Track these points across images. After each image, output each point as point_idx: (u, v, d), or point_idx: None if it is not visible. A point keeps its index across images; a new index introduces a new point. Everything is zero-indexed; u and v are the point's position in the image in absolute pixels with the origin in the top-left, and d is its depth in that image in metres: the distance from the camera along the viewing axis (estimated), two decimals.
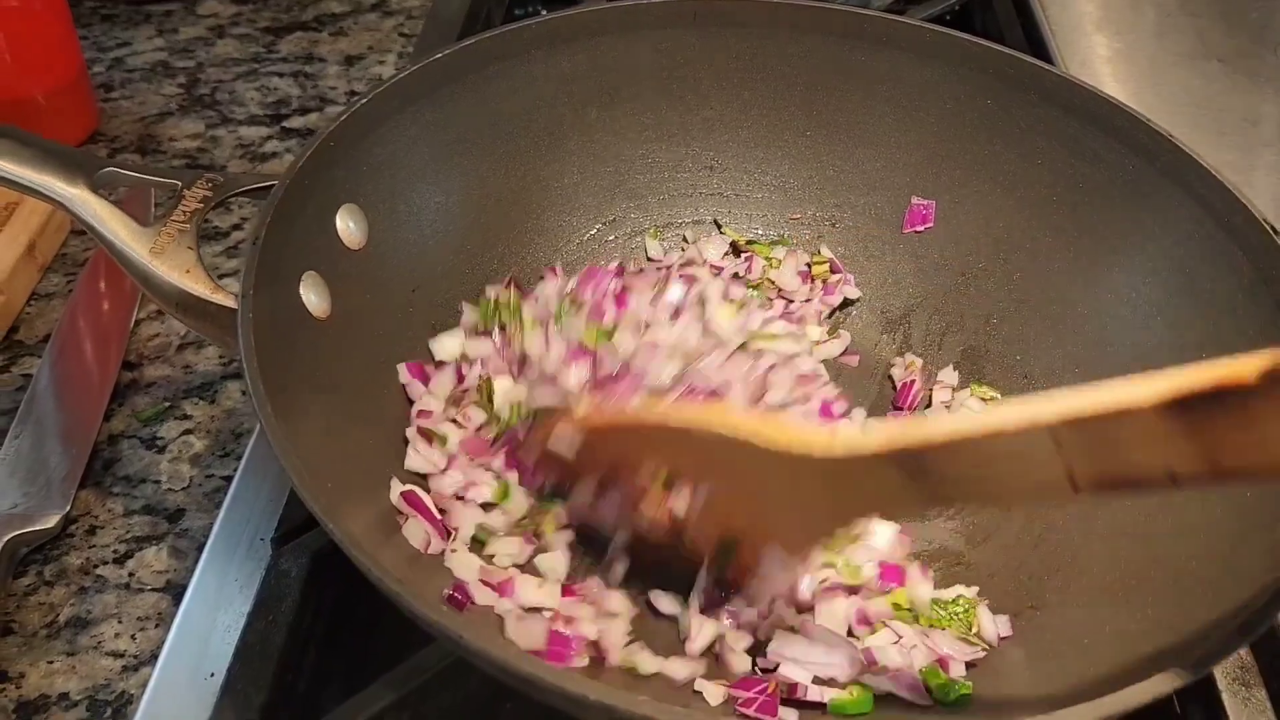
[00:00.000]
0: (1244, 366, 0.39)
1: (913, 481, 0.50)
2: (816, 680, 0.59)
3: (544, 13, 0.83)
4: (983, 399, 0.78)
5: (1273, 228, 0.65)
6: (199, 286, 0.64)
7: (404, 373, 0.73)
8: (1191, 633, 0.50)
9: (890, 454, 0.49)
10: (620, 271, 0.78)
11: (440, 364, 0.74)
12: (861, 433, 0.52)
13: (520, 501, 0.68)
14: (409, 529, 0.64)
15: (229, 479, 0.78)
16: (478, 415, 0.71)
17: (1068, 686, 0.54)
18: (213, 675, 0.65)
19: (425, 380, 0.73)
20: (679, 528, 0.61)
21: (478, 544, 0.66)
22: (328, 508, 0.49)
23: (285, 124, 1.18)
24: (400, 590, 0.46)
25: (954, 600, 0.65)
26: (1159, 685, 0.46)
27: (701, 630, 0.61)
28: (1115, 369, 0.72)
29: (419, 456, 0.69)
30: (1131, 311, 0.75)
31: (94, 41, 1.29)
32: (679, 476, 0.59)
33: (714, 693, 0.59)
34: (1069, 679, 0.55)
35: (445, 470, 0.69)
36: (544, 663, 0.47)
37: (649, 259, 0.87)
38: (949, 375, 0.80)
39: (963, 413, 0.51)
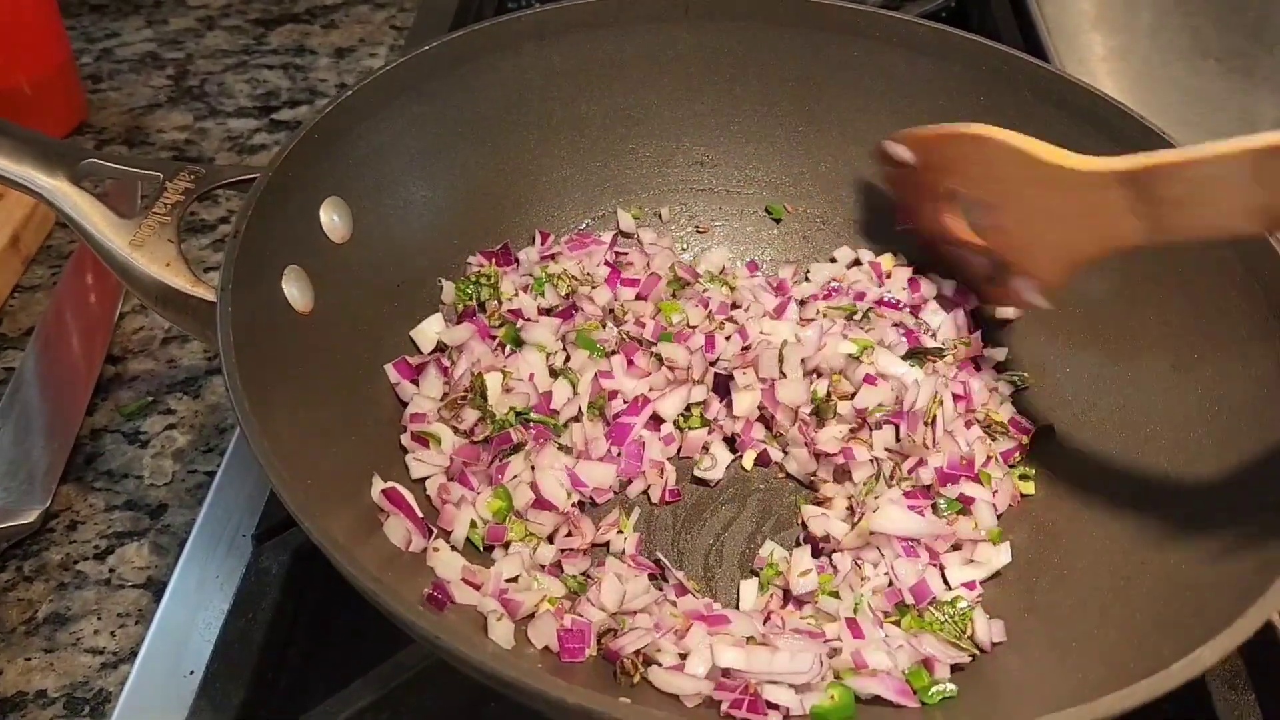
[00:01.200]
0: None
1: (1140, 206, 0.60)
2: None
3: (536, 5, 0.82)
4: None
5: None
6: (179, 280, 0.63)
7: (393, 373, 0.72)
8: (1179, 638, 0.49)
9: (1126, 175, 0.60)
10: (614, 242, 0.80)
11: (423, 364, 0.73)
12: (1105, 159, 0.62)
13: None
14: (390, 527, 0.63)
15: (212, 474, 0.78)
16: (471, 415, 0.70)
17: (1059, 692, 0.53)
18: (192, 673, 0.64)
19: (415, 380, 0.72)
20: (967, 242, 0.77)
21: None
22: (305, 506, 0.48)
23: (274, 116, 1.17)
24: (377, 589, 0.45)
25: (952, 601, 0.65)
26: (1149, 689, 0.45)
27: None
28: (1106, 366, 0.73)
29: (422, 464, 0.68)
30: (1126, 311, 0.74)
31: (82, 32, 1.28)
32: (972, 197, 0.75)
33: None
34: (1061, 684, 0.55)
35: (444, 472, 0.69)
36: (521, 664, 0.46)
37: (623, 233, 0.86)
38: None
39: (1184, 148, 0.57)
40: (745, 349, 0.76)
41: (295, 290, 0.65)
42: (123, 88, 1.20)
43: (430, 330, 0.75)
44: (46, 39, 1.07)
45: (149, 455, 0.82)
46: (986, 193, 0.73)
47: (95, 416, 0.85)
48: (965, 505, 0.69)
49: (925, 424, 0.70)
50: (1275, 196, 0.54)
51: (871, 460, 0.71)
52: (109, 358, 0.89)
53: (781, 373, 0.74)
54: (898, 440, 0.71)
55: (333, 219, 0.70)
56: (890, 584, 0.66)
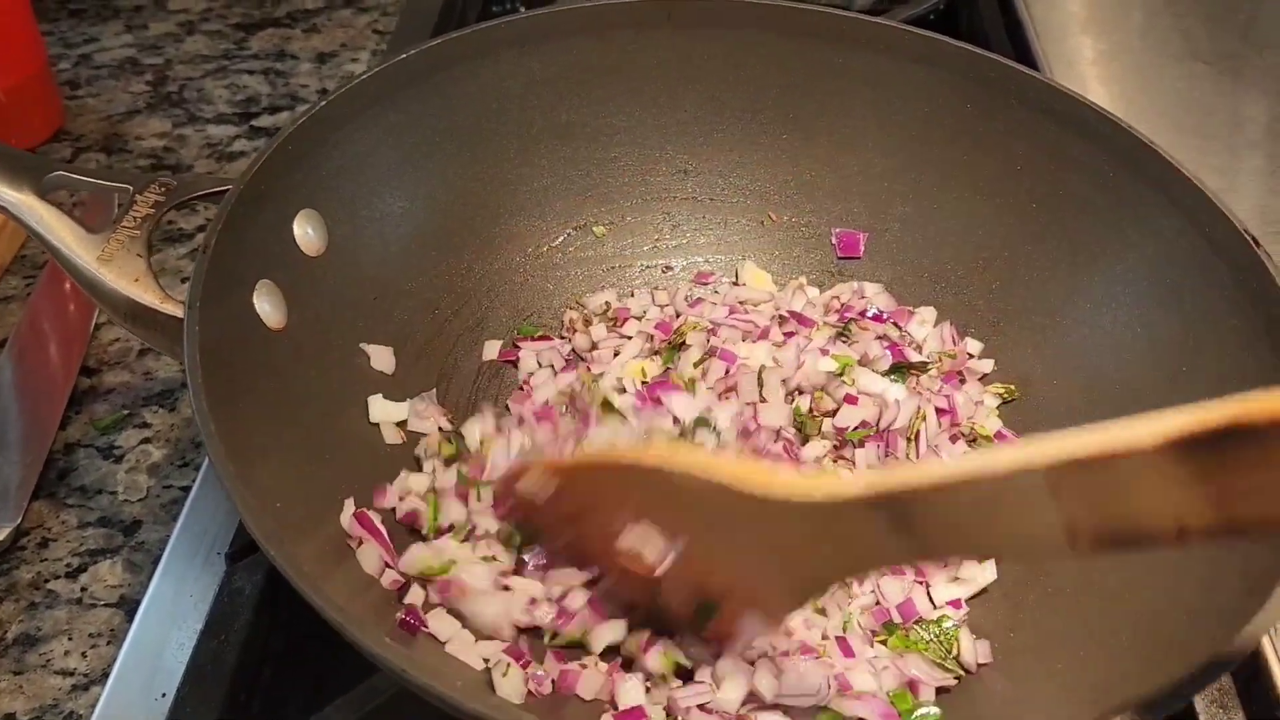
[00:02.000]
0: (1259, 405, 0.35)
1: (899, 533, 0.46)
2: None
3: (521, 10, 0.81)
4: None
5: (1253, 238, 0.64)
6: (148, 295, 0.62)
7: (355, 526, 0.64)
8: (1166, 662, 0.48)
9: (874, 501, 0.46)
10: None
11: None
12: (842, 479, 0.49)
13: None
14: (362, 554, 0.61)
15: (187, 490, 0.76)
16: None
17: (1045, 717, 0.52)
18: (164, 695, 0.63)
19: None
20: (654, 584, 0.57)
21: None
22: (271, 532, 0.47)
23: (254, 123, 1.15)
24: (343, 620, 0.44)
25: (938, 620, 0.64)
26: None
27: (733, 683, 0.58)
28: (1095, 379, 0.72)
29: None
30: (1112, 321, 0.73)
31: (60, 37, 1.26)
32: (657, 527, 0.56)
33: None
34: (1047, 708, 0.54)
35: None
36: (492, 698, 0.45)
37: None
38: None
39: (952, 458, 0.47)
40: (726, 373, 0.74)
41: (267, 306, 0.64)
42: (101, 94, 1.18)
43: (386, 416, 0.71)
44: (22, 44, 1.05)
45: (123, 470, 0.81)
46: (675, 525, 0.56)
47: (69, 430, 0.83)
48: None
49: (908, 439, 0.69)
50: (1082, 512, 0.41)
51: None
52: (84, 370, 0.88)
53: (761, 396, 0.73)
54: (885, 457, 0.70)
55: (307, 232, 0.69)
56: (877, 603, 0.65)
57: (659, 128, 0.85)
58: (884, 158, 0.84)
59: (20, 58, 1.05)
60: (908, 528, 0.46)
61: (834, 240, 0.85)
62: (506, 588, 0.61)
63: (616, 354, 0.78)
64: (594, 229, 0.85)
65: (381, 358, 0.72)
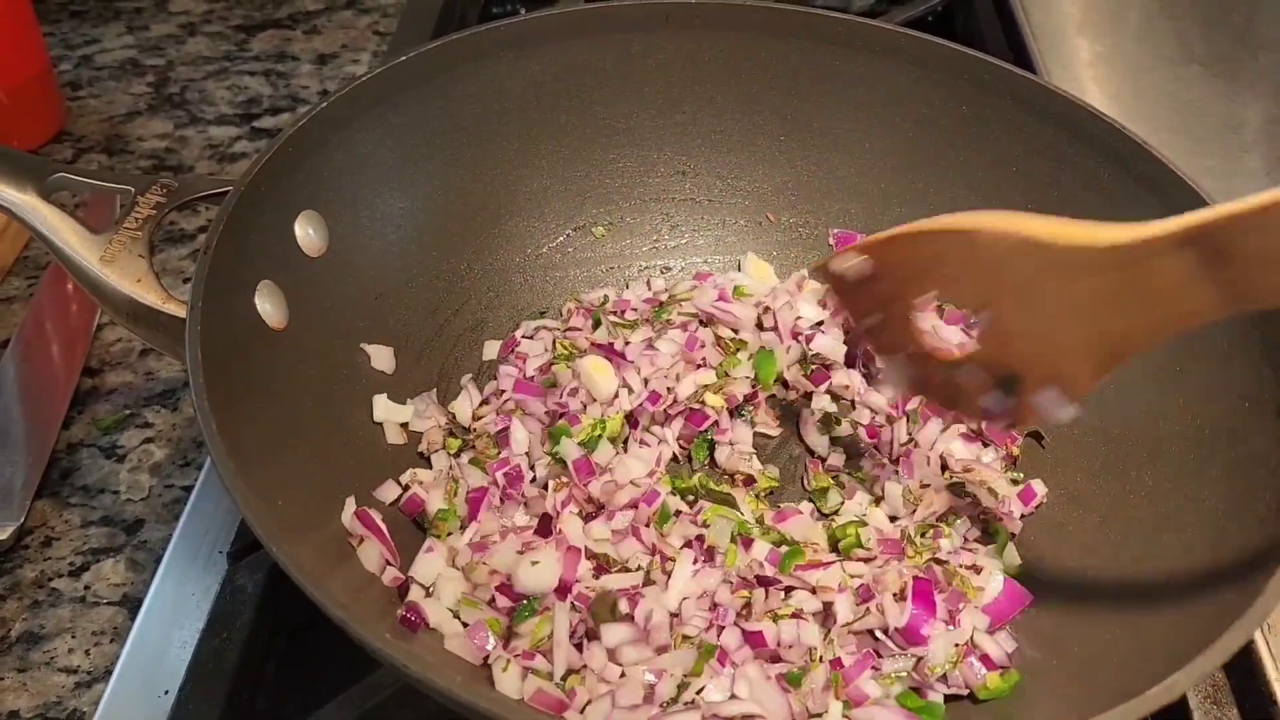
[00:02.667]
0: None
1: (1213, 271, 0.44)
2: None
3: (522, 11, 0.82)
4: None
5: None
6: (150, 296, 0.62)
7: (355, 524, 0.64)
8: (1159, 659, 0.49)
9: (1187, 237, 0.44)
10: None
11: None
12: (1151, 223, 0.46)
13: None
14: (363, 552, 0.62)
15: (189, 489, 0.77)
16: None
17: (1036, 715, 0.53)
18: (167, 692, 0.64)
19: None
20: (960, 359, 0.59)
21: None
22: (273, 531, 0.48)
23: (255, 124, 1.16)
24: (345, 616, 0.45)
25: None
26: (1125, 714, 0.45)
27: None
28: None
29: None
30: None
31: (62, 39, 1.27)
32: (961, 303, 0.59)
33: None
34: (1038, 707, 0.55)
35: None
36: (492, 693, 0.45)
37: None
38: None
39: (1266, 193, 0.42)
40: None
41: (269, 306, 0.65)
42: (102, 95, 1.19)
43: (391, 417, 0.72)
44: (24, 46, 1.06)
45: (125, 470, 0.81)
46: (981, 296, 0.57)
47: (72, 430, 0.84)
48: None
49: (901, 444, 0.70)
50: None
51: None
52: (86, 370, 0.88)
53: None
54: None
55: (308, 233, 0.69)
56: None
57: (658, 129, 0.86)
58: (880, 159, 0.84)
59: (22, 59, 1.06)
60: (1220, 267, 0.44)
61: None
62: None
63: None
64: (593, 230, 0.86)
65: (382, 357, 0.73)
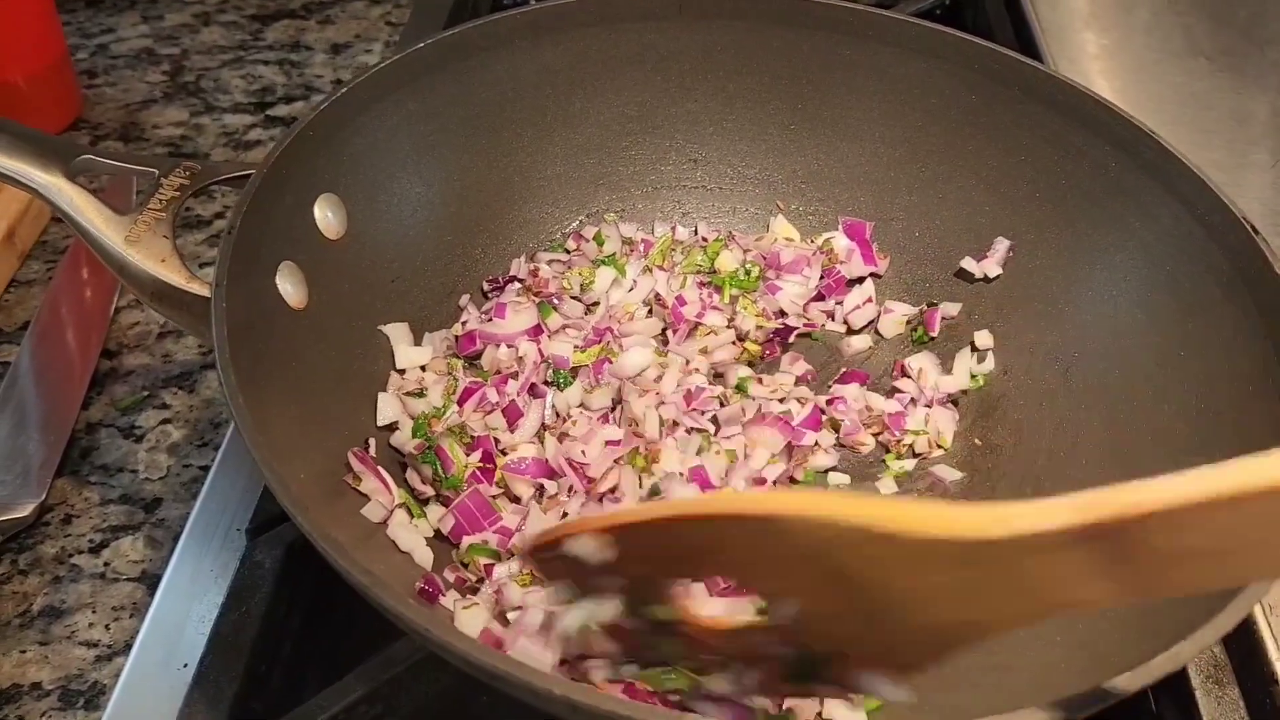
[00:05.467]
0: None
1: (1111, 566, 0.36)
2: None
3: (531, 1, 0.82)
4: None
5: (1252, 226, 0.65)
6: (174, 276, 0.63)
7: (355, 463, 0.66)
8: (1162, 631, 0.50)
9: (1089, 530, 0.36)
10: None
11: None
12: (1042, 507, 0.37)
13: None
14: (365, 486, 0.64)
15: (206, 469, 0.78)
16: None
17: (1041, 684, 0.53)
18: (186, 666, 0.64)
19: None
20: (744, 644, 0.47)
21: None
22: (298, 500, 0.49)
23: (270, 112, 1.17)
24: (369, 583, 0.46)
25: None
26: (1129, 682, 0.46)
27: None
28: (1096, 366, 0.74)
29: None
30: (1113, 309, 0.74)
31: (78, 27, 1.28)
32: (747, 588, 0.46)
33: None
34: (1043, 676, 0.55)
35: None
36: (510, 657, 0.46)
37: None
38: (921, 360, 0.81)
39: (1181, 476, 0.35)
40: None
41: (289, 286, 0.66)
42: (118, 83, 1.20)
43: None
44: (42, 34, 1.07)
45: (144, 449, 0.83)
46: (778, 587, 0.45)
47: (90, 411, 0.85)
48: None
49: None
50: None
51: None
52: (104, 352, 0.90)
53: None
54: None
55: (327, 215, 0.71)
56: None
57: (670, 117, 0.87)
58: (890, 148, 0.85)
59: (40, 47, 1.07)
60: (1121, 561, 0.36)
61: (840, 228, 0.87)
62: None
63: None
64: (605, 216, 0.87)
65: (399, 334, 0.74)
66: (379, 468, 0.65)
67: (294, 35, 1.29)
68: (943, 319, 0.82)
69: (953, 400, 0.79)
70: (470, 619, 0.59)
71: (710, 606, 0.50)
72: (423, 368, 0.75)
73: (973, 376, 0.79)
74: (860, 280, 0.85)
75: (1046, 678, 0.57)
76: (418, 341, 0.76)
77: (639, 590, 0.48)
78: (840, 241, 0.85)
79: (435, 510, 0.68)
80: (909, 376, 0.80)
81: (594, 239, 0.84)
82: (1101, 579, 0.37)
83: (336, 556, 0.46)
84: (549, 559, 0.49)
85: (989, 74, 0.80)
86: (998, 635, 0.42)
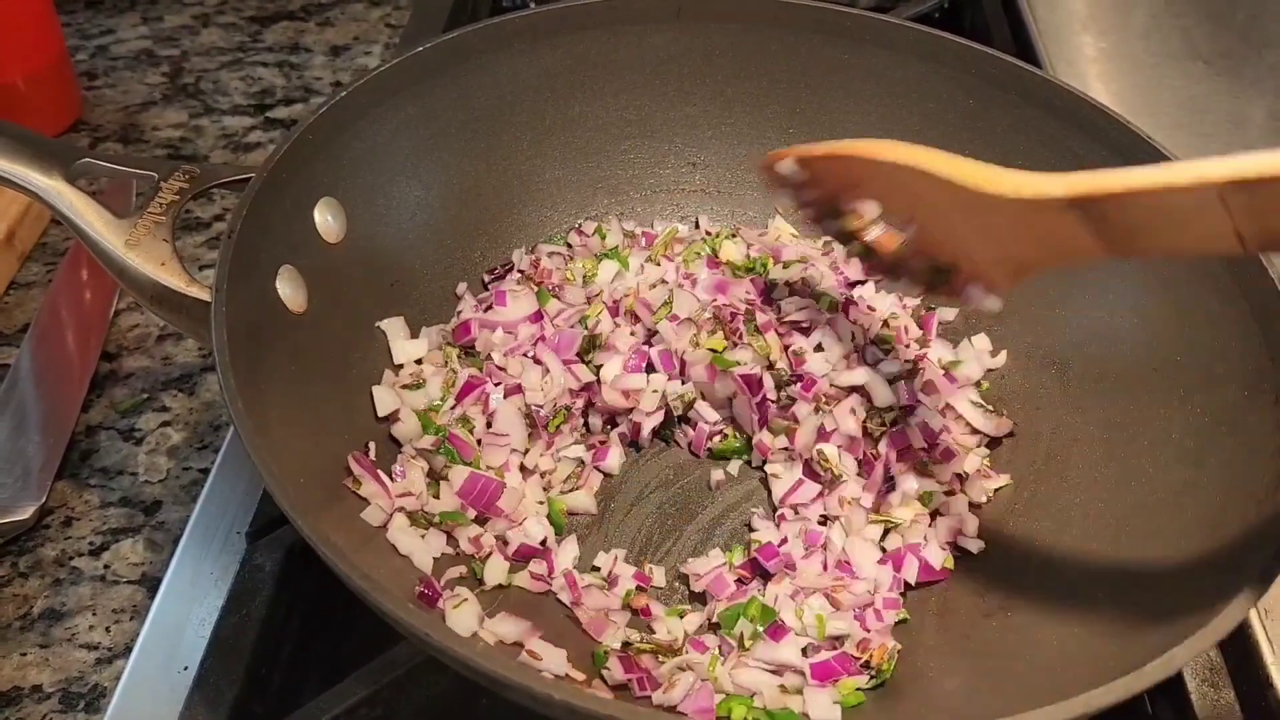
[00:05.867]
0: None
1: (1094, 227, 0.53)
2: None
3: (531, 4, 0.83)
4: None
5: None
6: (174, 279, 0.63)
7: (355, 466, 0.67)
8: (1156, 637, 0.50)
9: (1071, 201, 0.52)
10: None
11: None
12: (1046, 181, 0.54)
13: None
14: (369, 511, 0.65)
15: (206, 471, 0.78)
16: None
17: (1036, 690, 0.54)
18: (186, 668, 0.65)
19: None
20: (895, 256, 0.67)
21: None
22: (298, 504, 0.49)
23: (269, 114, 1.17)
24: (368, 587, 0.46)
25: None
26: (1124, 688, 0.46)
27: None
28: (1093, 371, 0.74)
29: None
30: (1110, 313, 0.75)
31: (77, 29, 1.28)
32: (890, 212, 0.66)
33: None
34: (1038, 681, 0.56)
35: None
36: (509, 661, 0.46)
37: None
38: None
39: (1140, 169, 0.50)
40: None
41: (289, 290, 0.66)
42: (118, 85, 1.20)
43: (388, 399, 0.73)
44: (41, 36, 1.07)
45: (144, 452, 0.83)
46: (905, 211, 0.65)
47: (90, 413, 0.85)
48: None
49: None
50: (1249, 224, 0.47)
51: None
52: (104, 355, 0.90)
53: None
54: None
55: (326, 219, 0.71)
56: None
57: (669, 121, 0.87)
58: None
59: (40, 48, 1.07)
60: (1102, 223, 0.52)
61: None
62: None
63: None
64: (604, 220, 0.87)
65: (395, 329, 0.75)
66: (379, 471, 0.65)
67: (293, 37, 1.29)
68: (940, 323, 0.82)
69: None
70: (461, 616, 0.60)
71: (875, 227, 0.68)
72: (418, 361, 0.75)
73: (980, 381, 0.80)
74: (862, 281, 0.85)
75: (1044, 680, 0.57)
76: (415, 337, 0.76)
77: (828, 205, 0.70)
78: None
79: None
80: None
81: (595, 233, 0.84)
82: (1090, 235, 0.53)
83: (336, 560, 0.46)
84: (773, 176, 0.71)
85: (986, 78, 0.80)
86: (1037, 271, 0.60)
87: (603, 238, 0.84)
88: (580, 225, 0.86)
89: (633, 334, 0.76)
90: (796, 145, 0.70)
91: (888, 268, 0.69)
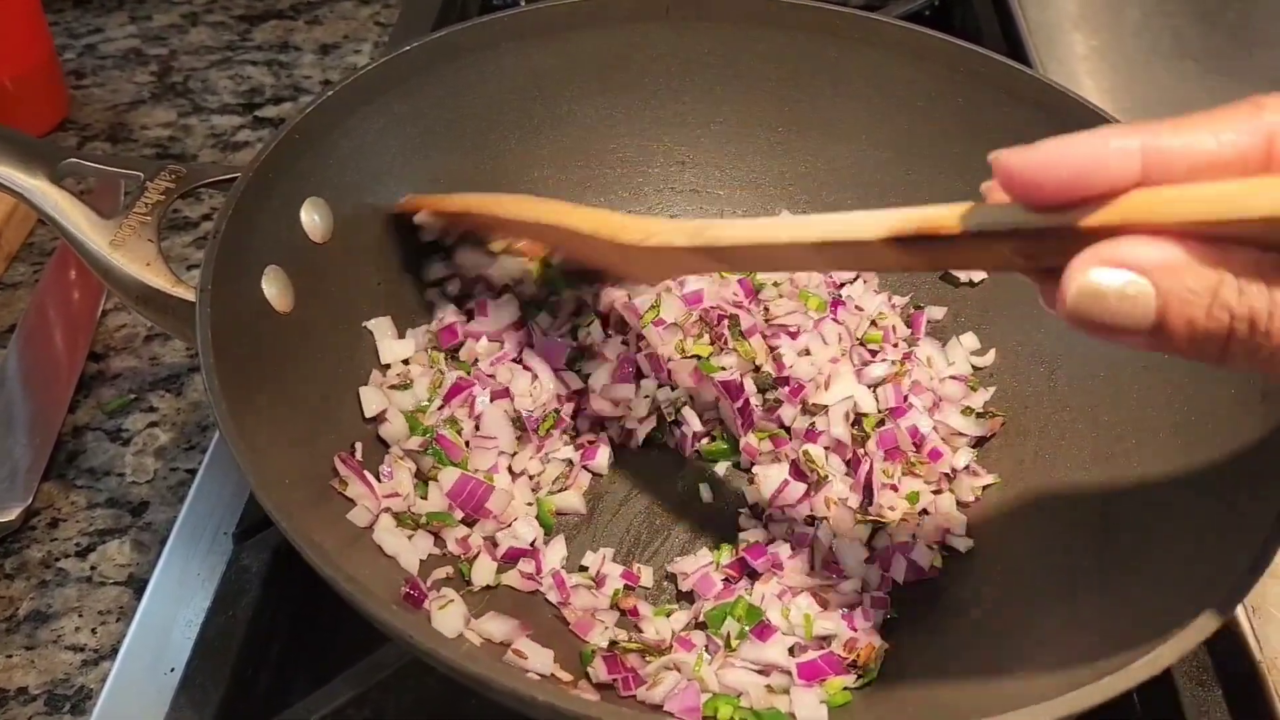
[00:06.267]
0: (946, 217, 0.46)
1: (719, 261, 0.60)
2: None
3: (522, 2, 0.82)
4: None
5: None
6: (159, 280, 0.63)
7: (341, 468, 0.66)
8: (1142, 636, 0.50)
9: (695, 249, 0.58)
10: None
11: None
12: (671, 232, 0.60)
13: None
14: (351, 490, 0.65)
15: (193, 472, 0.78)
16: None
17: (1020, 690, 0.54)
18: (173, 670, 0.65)
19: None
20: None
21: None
22: (281, 505, 0.49)
23: (258, 113, 1.17)
24: (353, 589, 0.46)
25: None
26: (1109, 687, 0.46)
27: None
28: (1081, 369, 0.74)
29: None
30: None
31: (65, 28, 1.27)
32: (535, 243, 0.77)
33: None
34: (1021, 682, 0.56)
35: None
36: (493, 663, 0.46)
37: None
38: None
39: (751, 223, 0.56)
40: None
41: (275, 290, 0.66)
42: (106, 84, 1.20)
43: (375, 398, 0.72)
44: (28, 34, 1.07)
45: (131, 453, 0.82)
46: (545, 244, 0.76)
47: (77, 414, 0.85)
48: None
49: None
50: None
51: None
52: (91, 355, 0.89)
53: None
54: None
55: (313, 219, 0.70)
56: None
57: (657, 120, 0.87)
58: (877, 150, 0.85)
59: (27, 47, 1.06)
60: (717, 259, 0.59)
61: None
62: None
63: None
64: None
65: (383, 328, 0.74)
66: (365, 472, 0.65)
67: (282, 36, 1.29)
68: (928, 322, 0.82)
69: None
70: (447, 617, 0.59)
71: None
72: (405, 361, 0.75)
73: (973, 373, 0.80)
74: (850, 281, 0.85)
75: (1032, 679, 0.57)
76: (402, 338, 0.76)
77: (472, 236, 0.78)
78: None
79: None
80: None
81: None
82: (716, 263, 0.61)
83: (319, 562, 0.46)
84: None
85: (975, 76, 0.80)
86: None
87: None
88: None
89: (624, 343, 0.76)
90: (425, 196, 0.75)
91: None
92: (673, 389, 0.75)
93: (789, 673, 0.61)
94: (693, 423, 0.75)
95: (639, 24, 0.84)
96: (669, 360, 0.74)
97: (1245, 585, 0.50)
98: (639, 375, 0.75)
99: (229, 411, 0.52)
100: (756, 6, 0.84)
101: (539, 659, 0.58)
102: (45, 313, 0.92)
